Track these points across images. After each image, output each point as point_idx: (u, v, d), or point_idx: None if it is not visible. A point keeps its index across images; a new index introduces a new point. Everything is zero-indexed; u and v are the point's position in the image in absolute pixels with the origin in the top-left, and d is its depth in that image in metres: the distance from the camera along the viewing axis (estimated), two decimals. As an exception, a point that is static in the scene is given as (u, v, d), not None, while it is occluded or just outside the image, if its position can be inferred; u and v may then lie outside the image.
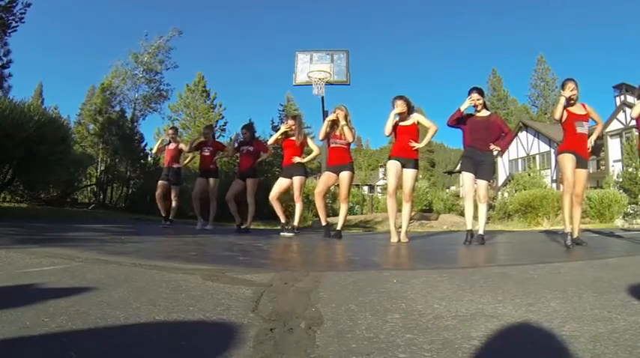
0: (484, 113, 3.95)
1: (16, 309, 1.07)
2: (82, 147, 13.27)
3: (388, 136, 4.17)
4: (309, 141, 5.10)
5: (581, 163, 3.68)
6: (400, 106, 4.04)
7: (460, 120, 3.91)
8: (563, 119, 3.71)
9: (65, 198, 11.41)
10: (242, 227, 5.45)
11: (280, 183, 4.95)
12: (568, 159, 3.64)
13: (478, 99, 3.88)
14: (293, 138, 4.95)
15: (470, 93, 3.89)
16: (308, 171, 5.35)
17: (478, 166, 3.85)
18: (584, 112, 3.72)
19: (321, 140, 4.74)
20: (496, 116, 4.17)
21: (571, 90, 3.62)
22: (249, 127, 5.81)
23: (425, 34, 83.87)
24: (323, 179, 4.65)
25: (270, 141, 5.36)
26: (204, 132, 6.23)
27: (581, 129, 3.68)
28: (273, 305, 1.24)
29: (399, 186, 4.12)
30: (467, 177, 3.90)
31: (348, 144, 4.59)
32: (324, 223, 4.74)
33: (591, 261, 2.74)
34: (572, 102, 3.68)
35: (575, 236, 3.61)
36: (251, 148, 5.60)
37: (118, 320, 1.04)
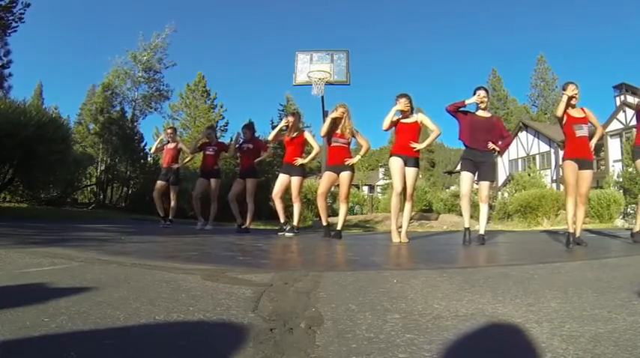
0: (486, 114, 3.97)
1: (16, 309, 1.07)
2: (82, 147, 13.28)
3: (386, 131, 4.18)
4: (309, 138, 5.06)
5: (585, 165, 3.73)
6: (403, 104, 4.04)
7: (459, 111, 3.94)
8: (563, 122, 3.77)
9: (65, 198, 11.41)
10: (242, 227, 5.46)
11: (282, 180, 4.95)
12: (569, 167, 3.72)
13: (484, 97, 3.93)
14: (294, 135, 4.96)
15: (477, 91, 3.94)
16: (307, 171, 5.34)
17: (479, 167, 3.87)
18: (582, 116, 3.78)
19: (323, 137, 4.71)
20: (498, 118, 4.22)
21: (572, 91, 3.67)
22: (249, 127, 5.82)
23: (425, 34, 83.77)
24: (324, 179, 4.64)
25: (270, 136, 5.40)
26: (207, 132, 6.24)
27: (581, 132, 3.73)
28: (273, 305, 1.24)
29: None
30: (466, 177, 3.91)
31: (349, 143, 4.60)
32: (325, 223, 4.74)
33: (591, 261, 2.74)
34: (573, 103, 3.73)
35: (576, 235, 3.64)
36: (251, 146, 5.62)
37: (118, 320, 1.04)
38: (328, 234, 4.57)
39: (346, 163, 4.49)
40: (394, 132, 4.22)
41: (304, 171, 5.08)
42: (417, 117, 4.15)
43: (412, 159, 4.06)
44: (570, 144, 3.78)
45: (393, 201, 4.12)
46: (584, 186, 3.73)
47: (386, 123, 4.07)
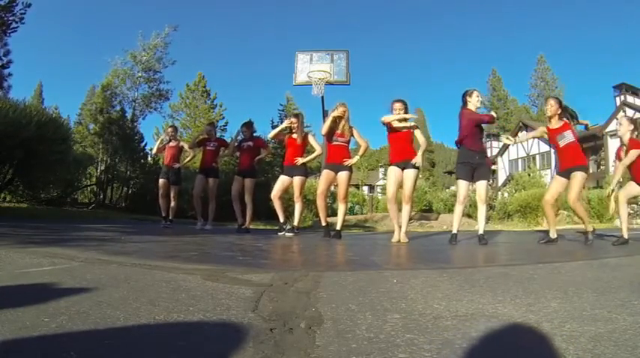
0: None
1: (16, 309, 1.07)
2: (82, 147, 13.28)
3: (385, 125, 4.18)
4: (312, 140, 5.06)
5: (576, 169, 3.78)
6: (398, 110, 4.11)
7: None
8: (548, 138, 3.90)
9: (65, 198, 11.41)
10: (242, 227, 5.46)
11: (282, 181, 4.94)
12: (555, 182, 3.96)
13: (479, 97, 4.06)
14: (295, 136, 4.96)
15: (472, 94, 3.97)
16: (308, 172, 5.33)
17: (477, 168, 3.90)
18: (560, 124, 3.83)
19: (323, 135, 4.71)
20: None
21: (549, 108, 3.84)
22: (248, 125, 5.82)
23: (425, 34, 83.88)
24: (323, 178, 4.64)
25: (271, 134, 5.42)
26: (207, 129, 6.24)
27: (563, 141, 3.79)
28: (273, 305, 1.24)
29: (399, 189, 4.17)
30: (463, 185, 3.95)
31: (348, 142, 4.61)
32: (324, 223, 4.74)
33: (591, 261, 2.74)
34: (549, 114, 3.87)
35: (589, 230, 3.86)
36: (251, 143, 5.62)
37: (118, 320, 1.04)
38: (328, 234, 4.57)
39: (345, 163, 4.50)
40: (388, 138, 4.26)
41: (306, 171, 5.08)
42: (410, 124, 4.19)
43: (410, 162, 4.09)
44: (560, 157, 3.90)
45: (388, 206, 4.27)
46: (572, 191, 3.78)
47: (388, 119, 4.10)
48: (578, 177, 3.74)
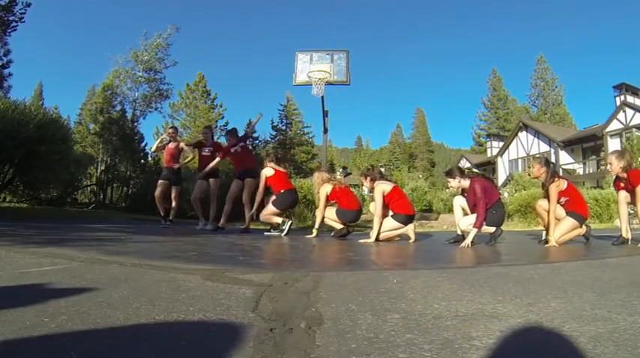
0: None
1: (16, 309, 1.07)
2: (82, 147, 13.30)
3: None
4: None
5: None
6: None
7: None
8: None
9: (65, 198, 11.43)
10: (242, 227, 5.47)
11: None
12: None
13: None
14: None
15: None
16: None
17: None
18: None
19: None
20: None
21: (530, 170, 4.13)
22: (232, 133, 5.77)
23: (425, 34, 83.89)
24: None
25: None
26: (204, 132, 6.23)
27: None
28: (273, 305, 1.24)
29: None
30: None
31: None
32: (339, 227, 4.81)
33: (591, 261, 2.74)
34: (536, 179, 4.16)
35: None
36: (239, 149, 5.63)
37: (118, 320, 1.04)
38: (340, 234, 4.70)
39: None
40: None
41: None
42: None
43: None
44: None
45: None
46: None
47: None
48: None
